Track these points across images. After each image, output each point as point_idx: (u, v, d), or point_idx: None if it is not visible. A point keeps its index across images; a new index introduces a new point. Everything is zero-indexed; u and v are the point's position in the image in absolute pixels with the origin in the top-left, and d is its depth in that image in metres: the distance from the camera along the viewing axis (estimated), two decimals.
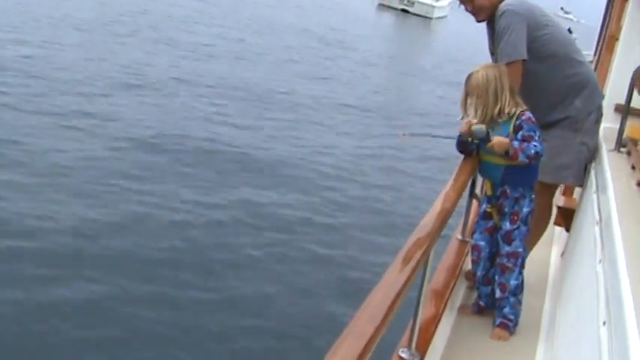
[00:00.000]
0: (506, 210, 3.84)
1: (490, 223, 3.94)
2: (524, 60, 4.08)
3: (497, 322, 3.88)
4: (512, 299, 3.84)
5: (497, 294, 3.88)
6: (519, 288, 3.86)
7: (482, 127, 3.79)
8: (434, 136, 5.02)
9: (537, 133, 3.72)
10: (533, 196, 3.88)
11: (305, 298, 7.29)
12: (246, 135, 12.64)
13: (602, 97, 4.57)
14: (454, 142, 3.95)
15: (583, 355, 2.66)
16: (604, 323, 2.36)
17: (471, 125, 3.84)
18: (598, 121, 4.43)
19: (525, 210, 3.84)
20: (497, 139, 3.71)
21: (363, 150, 13.23)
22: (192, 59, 18.06)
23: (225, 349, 6.22)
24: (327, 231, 9.17)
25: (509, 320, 3.85)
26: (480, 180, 4.28)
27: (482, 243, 3.96)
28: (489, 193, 3.92)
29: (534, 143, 3.68)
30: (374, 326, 2.06)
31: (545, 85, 4.21)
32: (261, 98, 15.58)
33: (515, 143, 3.68)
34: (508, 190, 3.83)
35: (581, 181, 4.46)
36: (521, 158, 3.67)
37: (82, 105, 12.16)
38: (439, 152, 12.78)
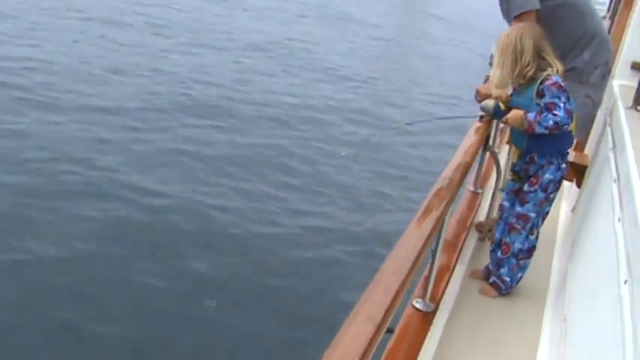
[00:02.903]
0: (531, 173, 3.56)
1: (517, 185, 3.67)
2: (537, 10, 3.80)
3: (491, 280, 3.67)
4: (512, 261, 3.58)
5: (499, 254, 3.64)
6: (523, 253, 3.59)
7: (490, 103, 3.57)
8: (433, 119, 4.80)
9: (562, 99, 3.32)
10: (564, 165, 3.55)
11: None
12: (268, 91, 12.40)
13: (611, 53, 4.27)
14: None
15: (601, 313, 2.53)
16: (625, 282, 2.22)
17: (482, 93, 3.67)
18: (605, 77, 4.16)
19: (547, 177, 3.50)
20: (511, 114, 3.44)
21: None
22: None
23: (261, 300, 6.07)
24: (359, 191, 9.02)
25: (503, 282, 3.62)
26: (493, 132, 4.13)
27: (506, 204, 3.71)
28: (515, 160, 3.67)
29: (555, 112, 3.29)
30: (400, 280, 1.93)
31: (554, 35, 3.79)
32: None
33: (530, 116, 3.34)
34: (535, 157, 3.53)
35: (586, 135, 4.26)
36: (539, 130, 3.32)
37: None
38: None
